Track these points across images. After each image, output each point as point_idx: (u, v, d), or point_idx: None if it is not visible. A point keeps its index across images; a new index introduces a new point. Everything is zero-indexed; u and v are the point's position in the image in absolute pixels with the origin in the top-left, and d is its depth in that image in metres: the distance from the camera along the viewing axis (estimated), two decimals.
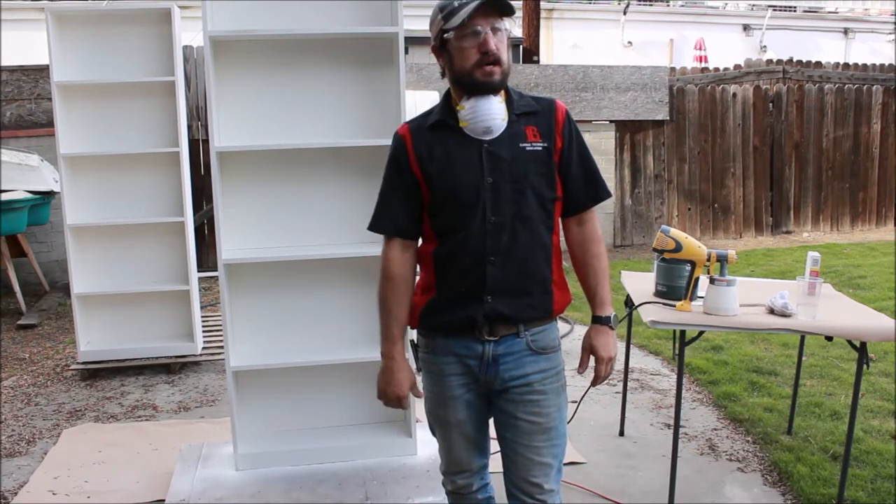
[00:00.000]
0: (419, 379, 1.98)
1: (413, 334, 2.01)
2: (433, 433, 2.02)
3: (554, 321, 1.92)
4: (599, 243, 1.91)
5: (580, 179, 1.87)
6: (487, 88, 1.74)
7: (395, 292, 1.87)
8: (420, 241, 1.92)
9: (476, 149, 1.78)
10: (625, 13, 13.39)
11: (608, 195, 1.92)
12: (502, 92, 1.80)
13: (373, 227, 1.91)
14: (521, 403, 1.84)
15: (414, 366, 1.98)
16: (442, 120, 1.82)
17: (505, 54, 1.74)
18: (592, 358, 1.91)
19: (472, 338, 1.83)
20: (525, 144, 1.79)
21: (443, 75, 1.84)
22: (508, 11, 1.73)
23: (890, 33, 13.95)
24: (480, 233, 1.78)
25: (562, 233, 1.93)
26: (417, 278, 1.94)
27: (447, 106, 1.83)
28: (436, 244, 1.85)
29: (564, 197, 1.87)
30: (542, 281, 1.84)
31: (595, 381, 1.93)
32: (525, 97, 1.85)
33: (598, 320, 1.90)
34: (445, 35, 1.74)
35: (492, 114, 1.76)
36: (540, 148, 1.80)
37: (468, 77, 1.74)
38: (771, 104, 8.79)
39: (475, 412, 1.92)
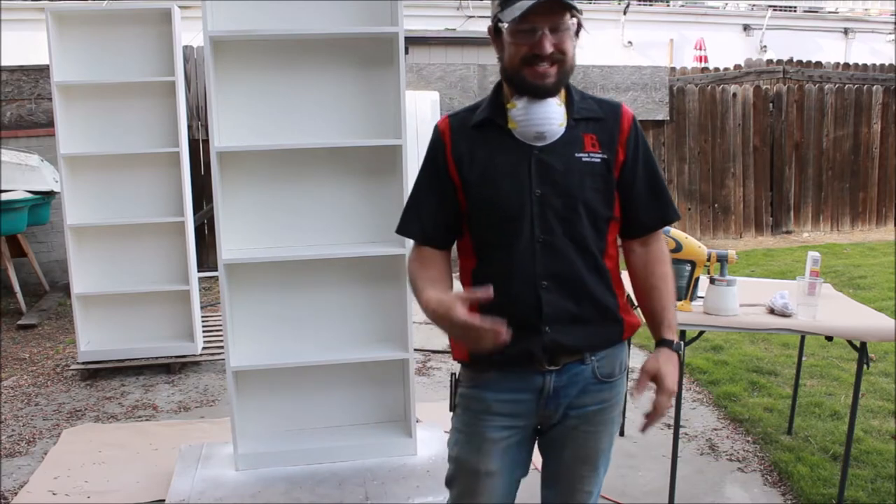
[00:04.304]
0: (452, 418, 1.74)
1: (452, 365, 1.82)
2: (450, 485, 1.73)
3: (623, 343, 1.70)
4: (666, 264, 1.69)
5: (646, 197, 1.64)
6: (536, 91, 1.51)
7: (425, 269, 1.62)
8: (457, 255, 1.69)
9: (525, 155, 1.56)
10: (625, 13, 13.38)
11: (677, 217, 1.69)
12: (562, 92, 1.57)
13: (401, 229, 1.69)
14: (573, 435, 1.66)
15: (448, 404, 1.74)
16: (489, 118, 1.59)
17: (569, 51, 1.50)
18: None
19: (531, 369, 1.60)
20: (581, 154, 1.56)
21: (499, 61, 1.60)
22: (573, 9, 1.48)
23: (890, 33, 13.95)
24: (528, 253, 1.55)
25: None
26: None
27: (497, 101, 1.60)
28: (475, 261, 1.63)
29: (626, 217, 1.64)
30: (605, 308, 1.61)
31: (652, 417, 1.64)
32: (588, 99, 1.62)
33: (666, 343, 1.64)
34: (500, 24, 1.51)
35: (548, 117, 1.53)
36: (598, 160, 1.57)
37: (517, 75, 1.52)
38: (771, 104, 8.79)
39: (511, 463, 1.67)
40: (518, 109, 1.54)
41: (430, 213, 1.64)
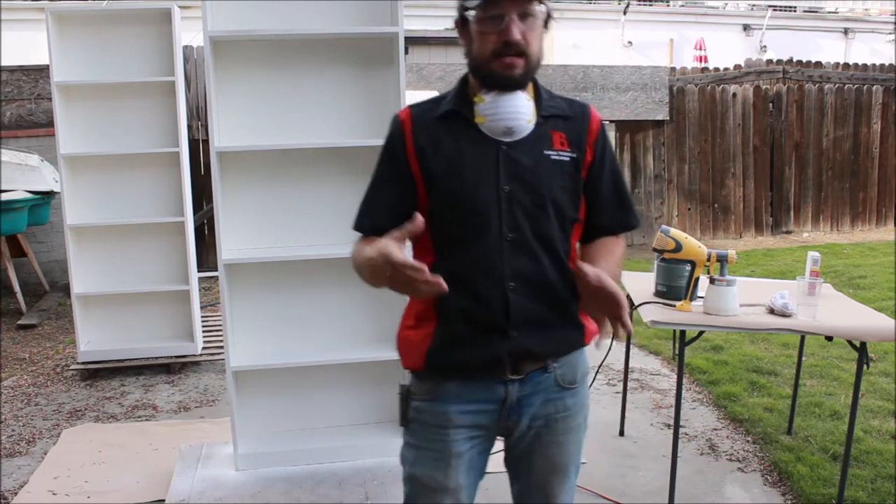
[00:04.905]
0: (402, 436, 1.61)
1: (403, 375, 1.64)
2: None
3: (583, 349, 1.63)
4: (618, 256, 1.61)
5: (611, 201, 1.59)
6: (506, 83, 1.46)
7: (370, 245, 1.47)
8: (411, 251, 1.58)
9: (493, 150, 1.49)
10: (625, 13, 13.39)
11: (638, 224, 1.66)
12: (530, 87, 1.52)
13: (356, 225, 1.58)
14: (539, 445, 1.59)
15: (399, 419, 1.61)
16: (455, 110, 1.52)
17: (535, 44, 1.45)
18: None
19: (493, 379, 1.53)
20: (550, 152, 1.51)
21: (465, 55, 1.54)
22: None
23: (890, 33, 13.95)
24: (495, 251, 1.48)
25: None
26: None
27: (463, 94, 1.53)
28: (434, 258, 1.52)
29: (589, 220, 1.58)
30: (569, 311, 1.55)
31: (614, 330, 1.43)
32: (556, 98, 1.57)
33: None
34: (466, 13, 1.46)
35: (517, 112, 1.48)
36: (567, 158, 1.52)
37: (485, 67, 1.46)
38: (771, 104, 8.79)
39: (476, 475, 1.60)
40: (486, 103, 1.48)
41: (386, 207, 1.54)
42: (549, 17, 1.47)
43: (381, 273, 1.35)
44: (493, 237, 1.48)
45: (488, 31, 1.43)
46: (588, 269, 1.40)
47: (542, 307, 1.51)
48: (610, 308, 1.40)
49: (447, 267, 1.44)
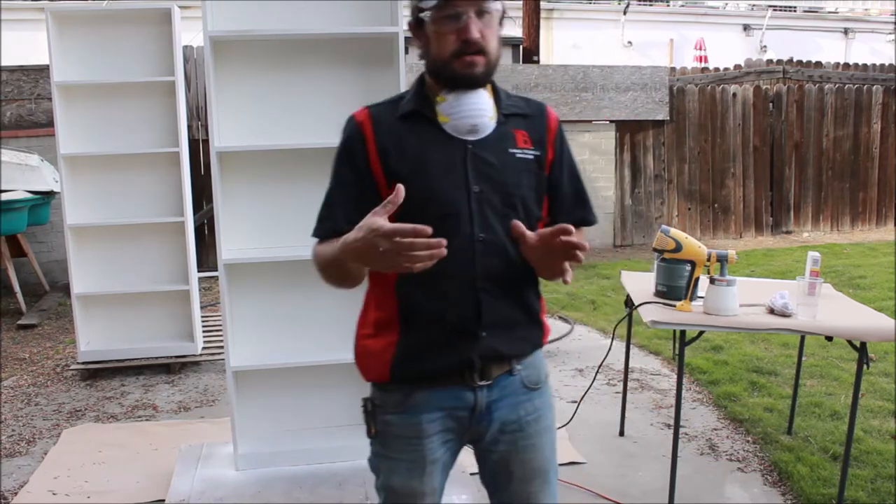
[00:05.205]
0: (370, 445, 1.59)
1: (364, 388, 1.60)
2: None
3: (541, 349, 1.63)
4: None
5: (571, 198, 1.60)
6: (467, 82, 1.45)
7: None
8: None
9: (459, 150, 1.47)
10: (625, 13, 13.40)
11: (595, 220, 1.65)
12: (489, 86, 1.51)
13: (315, 232, 1.52)
14: (514, 451, 1.56)
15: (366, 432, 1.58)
16: (418, 110, 1.49)
17: (492, 42, 1.44)
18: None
19: (461, 384, 1.50)
20: (515, 150, 1.50)
21: (420, 57, 1.53)
22: None
23: (890, 33, 13.95)
24: (467, 252, 1.45)
25: None
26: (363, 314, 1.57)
27: (422, 94, 1.51)
28: None
29: (550, 217, 1.58)
30: (533, 311, 1.56)
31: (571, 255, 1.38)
32: (513, 97, 1.57)
33: None
34: (421, 14, 1.45)
35: (480, 109, 1.47)
36: (531, 156, 1.52)
37: (445, 68, 1.44)
38: (771, 104, 8.79)
39: (446, 475, 1.59)
40: (448, 103, 1.46)
41: (346, 211, 1.46)
42: (504, 14, 1.47)
43: (368, 253, 1.28)
44: (464, 238, 1.45)
45: (446, 31, 1.42)
46: (527, 233, 1.39)
47: (512, 307, 1.51)
48: (564, 246, 1.35)
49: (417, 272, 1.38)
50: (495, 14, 1.45)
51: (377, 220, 1.27)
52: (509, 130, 1.51)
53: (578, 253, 1.35)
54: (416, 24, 1.47)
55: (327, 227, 1.49)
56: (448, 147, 1.47)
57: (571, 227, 1.35)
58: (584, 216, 1.62)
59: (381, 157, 1.47)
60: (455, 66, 1.43)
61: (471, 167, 1.47)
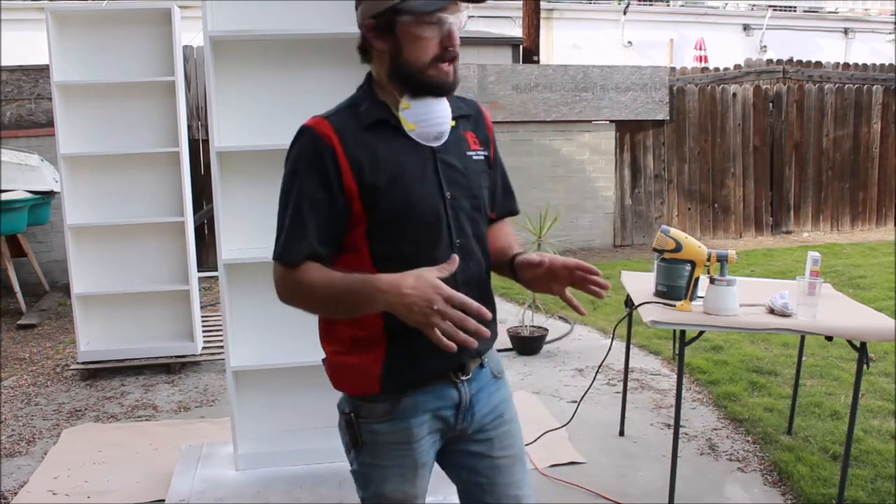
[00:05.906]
0: (355, 457, 1.62)
1: (337, 398, 1.64)
2: None
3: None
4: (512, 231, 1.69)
5: (502, 192, 1.65)
6: (441, 90, 1.43)
7: (331, 272, 1.41)
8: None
9: (429, 157, 1.46)
10: (625, 13, 13.41)
11: (518, 210, 1.71)
12: None
13: (283, 256, 1.41)
14: (496, 439, 1.58)
15: (347, 443, 1.63)
16: (383, 119, 1.45)
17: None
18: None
19: (446, 383, 1.51)
20: (471, 153, 1.52)
21: (364, 59, 1.47)
22: None
23: (890, 33, 13.96)
24: (448, 259, 1.41)
25: None
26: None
27: (376, 100, 1.47)
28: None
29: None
30: (494, 306, 1.56)
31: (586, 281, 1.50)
32: (453, 97, 1.52)
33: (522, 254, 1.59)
34: (400, 16, 1.38)
35: (445, 116, 1.45)
36: (482, 157, 1.55)
37: (420, 74, 1.40)
38: (771, 104, 8.79)
39: (429, 477, 1.61)
40: (412, 111, 1.43)
41: (319, 229, 1.40)
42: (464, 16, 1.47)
43: (416, 307, 1.28)
44: (444, 246, 1.46)
45: (429, 36, 1.39)
46: (535, 257, 1.51)
47: (485, 306, 1.47)
48: (576, 276, 1.48)
49: None
50: (464, 18, 1.45)
51: (437, 281, 1.30)
52: (461, 133, 1.53)
53: (601, 291, 1.48)
54: (384, 26, 1.40)
55: (304, 250, 1.40)
56: (417, 155, 1.45)
57: (598, 270, 1.48)
58: (511, 207, 1.69)
59: (355, 171, 1.40)
60: (430, 73, 1.41)
61: (442, 174, 1.47)
